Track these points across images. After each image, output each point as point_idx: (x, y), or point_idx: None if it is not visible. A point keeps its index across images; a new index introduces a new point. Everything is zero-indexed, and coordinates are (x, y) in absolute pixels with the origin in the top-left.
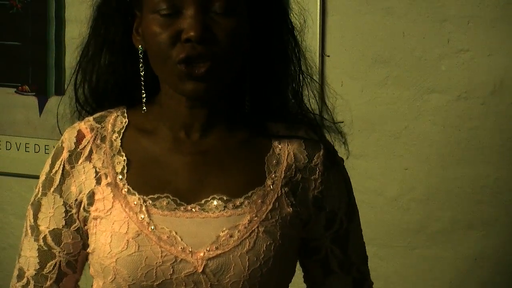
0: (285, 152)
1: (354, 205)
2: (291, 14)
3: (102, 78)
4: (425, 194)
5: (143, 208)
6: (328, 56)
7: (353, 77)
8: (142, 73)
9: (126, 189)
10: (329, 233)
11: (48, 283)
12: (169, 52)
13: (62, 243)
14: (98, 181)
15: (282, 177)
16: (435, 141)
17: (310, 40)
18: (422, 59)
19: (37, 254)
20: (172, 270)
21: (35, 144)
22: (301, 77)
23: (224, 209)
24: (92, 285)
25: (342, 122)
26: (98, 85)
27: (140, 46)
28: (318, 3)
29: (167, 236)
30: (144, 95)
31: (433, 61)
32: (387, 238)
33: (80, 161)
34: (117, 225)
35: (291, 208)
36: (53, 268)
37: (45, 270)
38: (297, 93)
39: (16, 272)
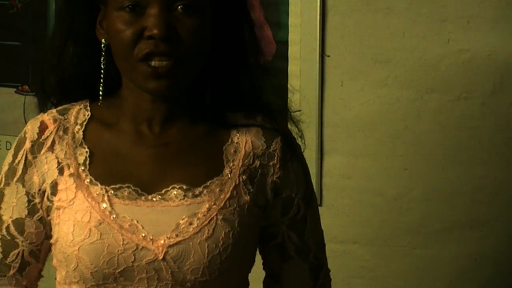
0: (243, 140)
1: (312, 192)
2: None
3: (67, 69)
4: (425, 194)
5: (105, 198)
6: (328, 56)
7: (353, 77)
8: (103, 66)
9: (88, 180)
10: (286, 219)
11: (11, 272)
12: (132, 49)
13: (25, 233)
14: (61, 171)
15: (240, 165)
16: (435, 141)
17: (310, 40)
18: (422, 59)
19: (0, 244)
20: (133, 257)
21: None
22: (259, 72)
23: (183, 198)
24: (55, 278)
25: (300, 110)
26: (63, 77)
27: (103, 39)
28: (318, 3)
29: (129, 225)
30: (102, 88)
31: (433, 61)
32: (387, 238)
33: (43, 151)
34: (80, 215)
35: (248, 196)
36: (16, 257)
37: (8, 259)
38: (256, 85)
39: None
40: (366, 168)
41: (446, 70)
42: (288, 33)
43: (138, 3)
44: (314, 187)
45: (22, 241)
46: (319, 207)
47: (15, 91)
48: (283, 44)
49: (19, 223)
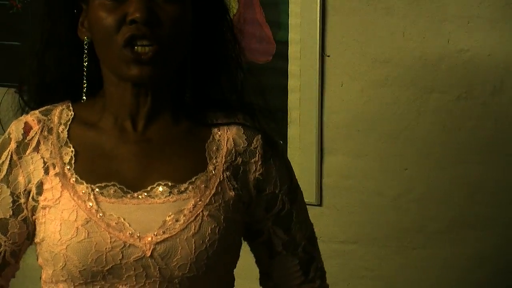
0: (225, 138)
1: (296, 187)
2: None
3: (48, 73)
4: (425, 194)
5: (91, 197)
6: (328, 56)
7: (353, 77)
8: (85, 64)
9: (74, 179)
10: (270, 215)
11: None
12: (115, 36)
13: (9, 233)
14: (46, 171)
15: (223, 162)
16: (435, 141)
17: (310, 40)
18: (422, 59)
19: None
20: (121, 255)
21: None
22: (239, 71)
23: (169, 195)
24: (40, 277)
25: (279, 111)
26: (44, 81)
27: (85, 37)
28: (318, 3)
29: (116, 223)
30: (85, 85)
31: (433, 61)
32: (387, 238)
33: (28, 151)
34: (66, 213)
35: (233, 192)
36: None
37: None
38: (236, 84)
39: None
40: (366, 168)
41: (446, 70)
42: (288, 33)
43: None
44: (314, 187)
45: (5, 241)
46: (319, 207)
47: (15, 91)
48: (283, 44)
49: (2, 223)
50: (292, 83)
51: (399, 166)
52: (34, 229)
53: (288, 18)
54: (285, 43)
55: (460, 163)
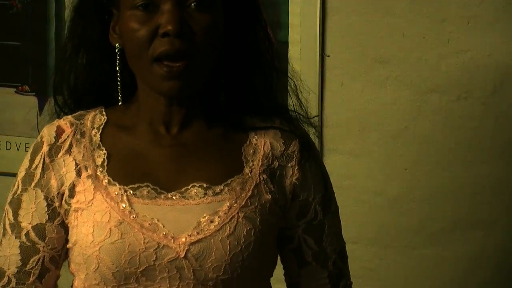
0: (262, 141)
1: (331, 199)
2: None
3: (80, 78)
4: (425, 194)
5: (124, 198)
6: (328, 56)
7: (353, 77)
8: (118, 71)
9: (106, 180)
10: (302, 223)
11: (31, 279)
12: (147, 48)
13: (47, 238)
14: (78, 173)
15: (259, 165)
16: (435, 141)
17: (310, 40)
18: (422, 59)
19: (19, 251)
20: (155, 256)
21: None
22: (274, 73)
23: (204, 196)
24: (71, 285)
25: (317, 116)
26: (76, 86)
27: (117, 44)
28: (318, 3)
29: (149, 223)
30: (120, 92)
31: (433, 61)
32: (387, 238)
33: (60, 154)
34: (99, 215)
35: (270, 195)
36: (36, 264)
37: (28, 266)
38: (272, 88)
39: None
40: (366, 168)
41: (446, 70)
42: (288, 33)
43: (151, 1)
44: None
45: (43, 247)
46: None
47: (15, 91)
48: (283, 44)
49: (39, 229)
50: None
51: (399, 166)
52: (69, 233)
53: (288, 18)
54: (285, 43)
55: (460, 163)
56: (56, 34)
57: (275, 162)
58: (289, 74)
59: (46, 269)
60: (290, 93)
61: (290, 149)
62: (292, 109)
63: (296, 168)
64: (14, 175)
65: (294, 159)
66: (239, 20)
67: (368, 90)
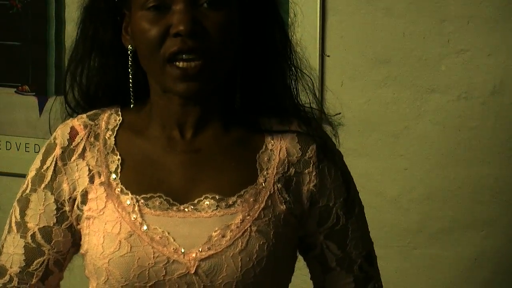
0: (278, 147)
1: (354, 201)
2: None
3: (93, 80)
4: (425, 194)
5: (136, 208)
6: (328, 56)
7: (353, 77)
8: (130, 73)
9: (119, 189)
10: (323, 229)
11: (34, 280)
12: (159, 49)
13: (53, 241)
14: (91, 179)
15: (274, 173)
16: (435, 141)
17: (310, 40)
18: (422, 59)
19: (23, 251)
20: (164, 271)
21: (35, 144)
22: (293, 71)
23: (216, 209)
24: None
25: (340, 113)
26: (89, 88)
27: (130, 46)
28: (318, 3)
29: (160, 237)
30: (132, 94)
31: (433, 61)
32: (387, 238)
33: (73, 158)
34: (110, 226)
35: (284, 206)
36: (40, 266)
37: (31, 267)
38: (290, 87)
39: None
40: (366, 168)
41: (446, 70)
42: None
43: (162, 2)
44: None
45: (49, 250)
46: None
47: (15, 91)
48: None
49: (46, 231)
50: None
51: (399, 166)
52: (80, 237)
53: (288, 18)
54: None
55: (460, 163)
56: (56, 34)
57: (291, 169)
58: (306, 72)
59: (50, 271)
60: (307, 91)
61: (307, 154)
62: (310, 107)
63: (313, 174)
64: (14, 175)
65: (311, 165)
66: (255, 17)
67: (368, 90)
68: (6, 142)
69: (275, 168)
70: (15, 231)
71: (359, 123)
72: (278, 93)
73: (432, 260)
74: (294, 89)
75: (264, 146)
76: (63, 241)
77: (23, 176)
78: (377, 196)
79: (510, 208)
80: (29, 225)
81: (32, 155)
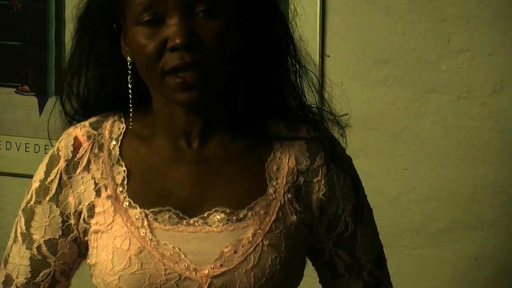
0: (286, 155)
1: (362, 206)
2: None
3: (91, 91)
4: (425, 194)
5: (145, 223)
6: (328, 56)
7: (353, 77)
8: (130, 82)
9: (127, 203)
10: (331, 236)
11: None
12: (157, 64)
13: (59, 253)
14: (98, 193)
15: (284, 183)
16: (435, 141)
17: (310, 40)
18: (422, 59)
19: (29, 263)
20: None
21: (35, 144)
22: (298, 69)
23: (227, 223)
24: None
25: (347, 114)
26: (87, 98)
27: (128, 58)
28: (318, 3)
29: (171, 253)
30: (132, 103)
31: (433, 61)
32: (387, 238)
33: (78, 171)
34: (119, 241)
35: (295, 216)
36: (46, 277)
37: (37, 278)
38: (295, 87)
39: (1, 279)
40: (366, 168)
41: (446, 70)
42: None
43: (156, 15)
44: None
45: (54, 261)
46: None
47: (15, 91)
48: None
49: (52, 244)
50: None
51: (399, 166)
52: (86, 248)
53: (288, 18)
54: None
55: (460, 163)
56: (56, 34)
57: (300, 178)
58: (310, 69)
59: (56, 281)
60: (314, 91)
61: (316, 163)
62: (317, 107)
63: (322, 183)
64: (14, 175)
65: (320, 174)
66: (256, 16)
67: (368, 90)
68: (6, 142)
69: (285, 178)
70: (21, 241)
71: (359, 123)
72: (283, 90)
73: (432, 260)
74: (299, 87)
75: (272, 154)
76: (69, 253)
77: (23, 176)
78: (377, 196)
79: (510, 208)
80: (34, 237)
81: (32, 155)
